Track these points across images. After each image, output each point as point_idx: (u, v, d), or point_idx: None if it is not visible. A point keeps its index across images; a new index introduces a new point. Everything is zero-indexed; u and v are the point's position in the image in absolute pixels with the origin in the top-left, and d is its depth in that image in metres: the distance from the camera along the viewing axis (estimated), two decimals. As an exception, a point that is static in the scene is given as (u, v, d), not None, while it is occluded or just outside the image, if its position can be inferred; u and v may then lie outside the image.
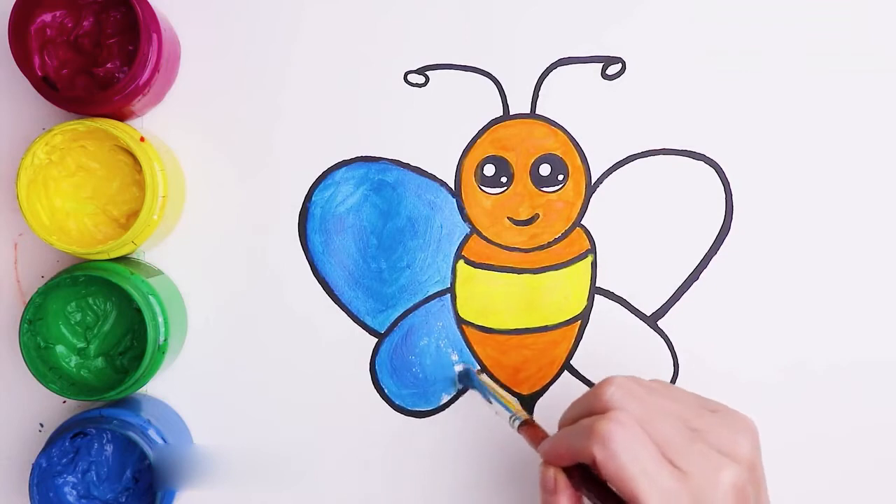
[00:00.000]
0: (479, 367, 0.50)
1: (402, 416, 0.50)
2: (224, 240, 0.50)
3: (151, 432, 0.46)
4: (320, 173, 0.50)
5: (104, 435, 0.47)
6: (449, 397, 0.51)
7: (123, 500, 0.47)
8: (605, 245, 0.51)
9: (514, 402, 0.46)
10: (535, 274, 0.51)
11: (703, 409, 0.40)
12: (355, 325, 0.50)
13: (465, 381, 0.50)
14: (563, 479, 0.39)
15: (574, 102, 0.50)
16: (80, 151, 0.47)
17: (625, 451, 0.36)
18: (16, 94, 0.49)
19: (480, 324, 0.51)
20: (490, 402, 0.47)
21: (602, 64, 0.50)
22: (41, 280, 0.50)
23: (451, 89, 0.50)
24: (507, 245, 0.51)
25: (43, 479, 0.46)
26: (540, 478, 0.40)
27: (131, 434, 0.45)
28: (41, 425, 0.50)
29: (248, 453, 0.50)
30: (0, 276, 0.50)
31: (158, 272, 0.49)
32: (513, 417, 0.44)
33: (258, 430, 0.50)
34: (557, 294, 0.50)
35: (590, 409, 0.40)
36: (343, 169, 0.50)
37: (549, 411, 0.48)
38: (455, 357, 0.50)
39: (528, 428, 0.43)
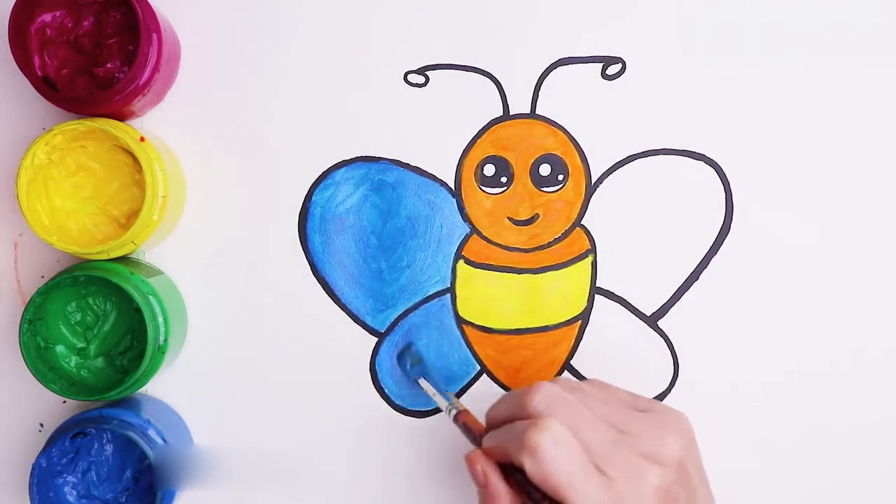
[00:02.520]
0: (418, 355, 0.50)
1: (402, 416, 0.50)
2: (224, 240, 0.50)
3: (151, 432, 0.46)
4: (320, 173, 0.50)
5: (104, 435, 0.47)
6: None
7: (123, 500, 0.47)
8: (605, 245, 0.51)
9: (451, 394, 0.47)
10: (535, 274, 0.51)
11: (633, 411, 0.41)
12: (355, 325, 0.50)
13: (406, 363, 0.50)
14: (492, 473, 0.40)
15: (574, 102, 0.50)
16: (80, 151, 0.47)
17: (552, 461, 0.37)
18: (16, 94, 0.49)
19: (480, 324, 0.51)
20: (424, 389, 0.48)
21: (602, 64, 0.50)
22: (41, 280, 0.50)
23: (451, 89, 0.50)
24: (507, 245, 0.51)
25: (43, 479, 0.46)
26: (469, 470, 0.41)
27: (131, 434, 0.45)
28: (41, 425, 0.50)
29: (247, 453, 0.50)
30: (0, 276, 0.50)
31: (158, 272, 0.49)
32: (450, 408, 0.45)
33: (258, 430, 0.50)
34: (557, 294, 0.50)
35: (515, 414, 0.40)
36: (343, 169, 0.50)
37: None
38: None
39: (465, 417, 0.44)
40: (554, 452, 0.37)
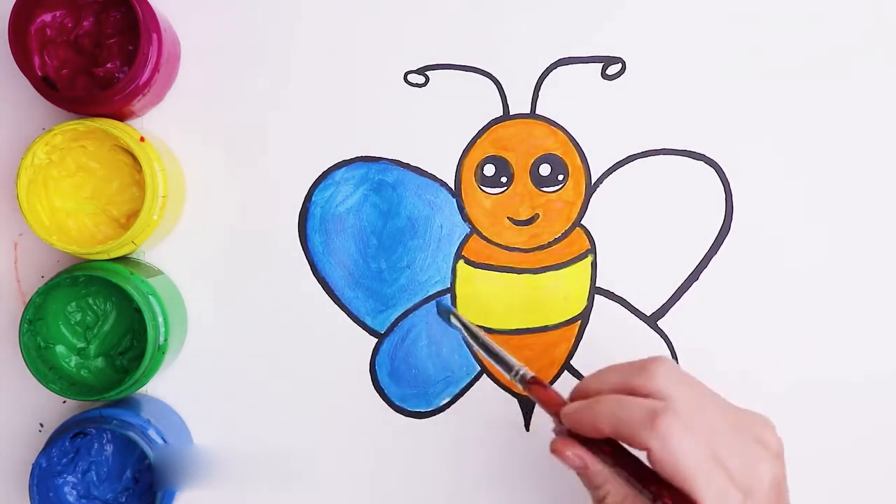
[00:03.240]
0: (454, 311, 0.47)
1: (402, 416, 0.50)
2: (224, 240, 0.50)
3: (151, 432, 0.46)
4: (320, 173, 0.50)
5: (104, 435, 0.47)
6: (449, 398, 0.51)
7: (123, 500, 0.47)
8: (605, 245, 0.51)
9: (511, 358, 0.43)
10: (535, 274, 0.51)
11: (729, 402, 0.40)
12: (355, 325, 0.50)
13: (447, 319, 0.46)
14: (589, 457, 0.38)
15: (574, 102, 0.50)
16: (80, 151, 0.47)
17: (683, 448, 0.35)
18: (16, 94, 0.49)
19: (480, 324, 0.51)
20: (475, 349, 0.44)
21: (602, 64, 0.50)
22: (41, 280, 0.50)
23: (451, 89, 0.50)
24: (507, 245, 0.51)
25: (43, 479, 0.46)
26: (558, 455, 0.39)
27: (131, 434, 0.45)
28: (41, 425, 0.50)
29: (247, 453, 0.50)
30: (0, 276, 0.50)
31: (158, 272, 0.49)
32: (516, 372, 0.42)
33: (258, 430, 0.50)
34: (557, 294, 0.50)
35: (632, 385, 0.38)
36: (343, 169, 0.50)
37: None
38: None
39: (538, 388, 0.41)
40: (685, 438, 0.35)
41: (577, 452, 0.38)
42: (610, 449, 0.38)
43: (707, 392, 0.39)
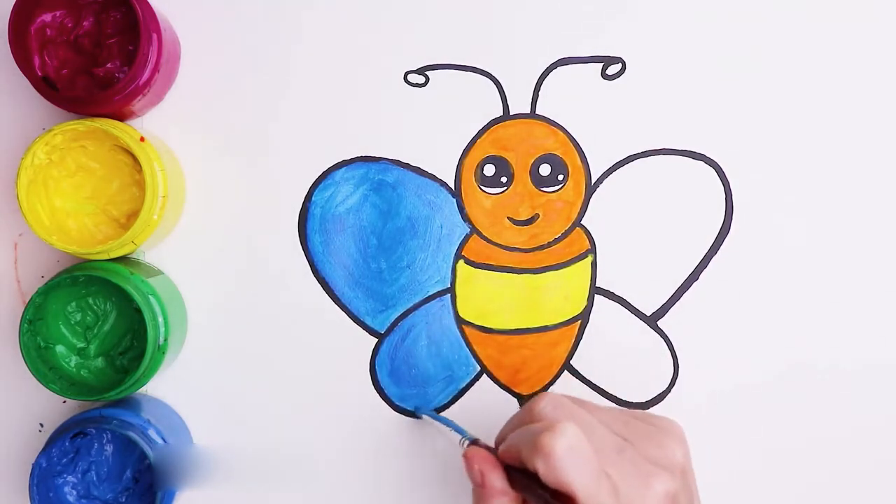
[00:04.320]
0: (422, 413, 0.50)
1: (402, 416, 0.50)
2: (224, 240, 0.50)
3: (151, 432, 0.46)
4: (320, 173, 0.50)
5: (104, 435, 0.47)
6: (449, 398, 0.51)
7: (123, 500, 0.47)
8: (605, 245, 0.51)
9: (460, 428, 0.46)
10: (535, 274, 0.51)
11: (632, 419, 0.41)
12: (355, 325, 0.50)
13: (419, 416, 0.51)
14: (491, 472, 0.40)
15: (574, 102, 0.50)
16: (80, 151, 0.47)
17: (566, 465, 0.36)
18: (16, 94, 0.49)
19: (480, 324, 0.51)
20: (441, 424, 0.47)
21: (602, 64, 0.50)
22: (41, 280, 0.50)
23: (451, 89, 0.50)
24: (507, 245, 0.51)
25: (43, 479, 0.46)
26: (466, 468, 0.40)
27: (131, 434, 0.45)
28: (41, 425, 0.50)
29: (247, 453, 0.50)
30: (0, 276, 0.50)
31: (158, 272, 0.49)
32: (462, 439, 0.44)
33: (258, 430, 0.50)
34: (557, 294, 0.50)
35: (524, 421, 0.40)
36: (343, 169, 0.50)
37: (549, 411, 0.48)
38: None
39: (478, 444, 0.43)
40: (568, 456, 0.37)
41: (482, 467, 0.40)
42: (521, 478, 0.39)
43: (602, 413, 0.41)
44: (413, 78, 0.50)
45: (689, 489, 0.39)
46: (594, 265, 0.51)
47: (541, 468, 0.37)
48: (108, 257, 0.47)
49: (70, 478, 0.47)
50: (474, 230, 0.51)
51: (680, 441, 0.40)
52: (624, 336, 0.51)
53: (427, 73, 0.50)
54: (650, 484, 0.38)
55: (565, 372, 0.51)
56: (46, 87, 0.45)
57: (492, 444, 0.43)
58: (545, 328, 0.51)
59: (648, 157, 0.51)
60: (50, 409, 0.50)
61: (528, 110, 0.50)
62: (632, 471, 0.38)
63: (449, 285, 0.51)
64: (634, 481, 0.37)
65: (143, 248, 0.48)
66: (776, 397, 0.51)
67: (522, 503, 0.39)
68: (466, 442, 0.44)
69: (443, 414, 0.51)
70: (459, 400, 0.51)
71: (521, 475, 0.39)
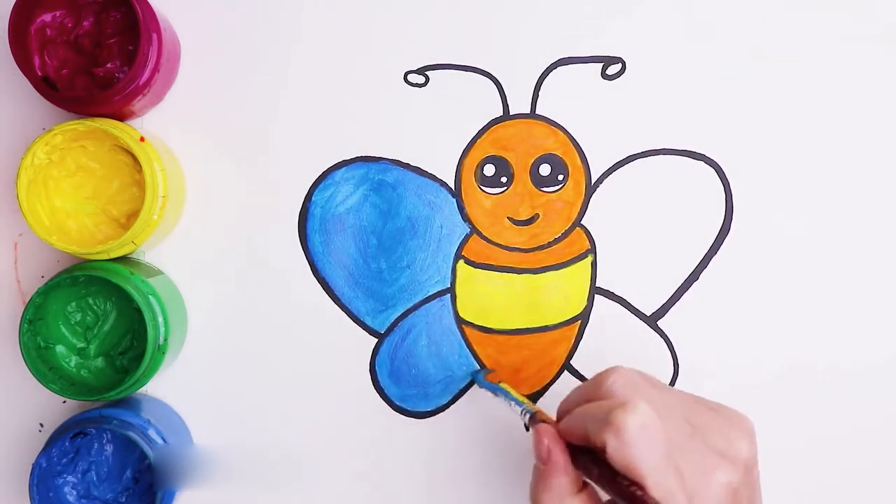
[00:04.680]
0: (483, 370, 0.50)
1: (402, 416, 0.50)
2: (224, 240, 0.50)
3: (151, 432, 0.46)
4: (320, 173, 0.50)
5: (104, 435, 0.47)
6: (449, 398, 0.51)
7: (123, 500, 0.47)
8: (605, 245, 0.51)
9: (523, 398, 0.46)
10: (535, 274, 0.51)
11: (703, 407, 0.40)
12: (355, 325, 0.50)
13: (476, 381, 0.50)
14: (557, 452, 0.39)
15: (574, 102, 0.50)
16: (80, 151, 0.47)
17: (638, 444, 0.36)
18: (16, 94, 0.49)
19: (480, 324, 0.51)
20: (499, 397, 0.46)
21: (602, 64, 0.50)
22: (41, 280, 0.50)
23: (451, 89, 0.50)
24: (507, 245, 0.51)
25: (43, 479, 0.46)
26: (535, 443, 0.39)
27: (131, 434, 0.45)
28: (41, 425, 0.50)
29: (247, 453, 0.50)
30: (0, 276, 0.50)
31: (158, 272, 0.49)
32: (524, 410, 0.43)
33: (258, 430, 0.50)
34: (557, 294, 0.50)
35: (590, 396, 0.40)
36: (343, 169, 0.50)
37: (549, 411, 0.48)
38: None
39: (541, 416, 0.43)
40: (641, 436, 0.36)
41: (550, 444, 0.39)
42: (586, 458, 0.38)
43: (672, 396, 0.40)
44: (413, 78, 0.50)
45: (751, 485, 0.39)
46: (594, 265, 0.51)
47: (610, 445, 0.36)
48: (108, 257, 0.47)
49: (70, 478, 0.47)
50: (474, 230, 0.51)
51: (748, 435, 0.39)
52: (624, 336, 0.51)
53: (427, 73, 0.50)
54: (713, 474, 0.37)
55: (565, 372, 0.51)
56: (46, 87, 0.45)
57: (553, 416, 0.42)
58: (545, 328, 0.51)
59: (648, 157, 0.51)
60: (50, 409, 0.50)
61: (528, 110, 0.50)
62: (697, 458, 0.37)
63: (449, 285, 0.51)
64: (698, 469, 0.37)
65: (143, 248, 0.48)
66: (776, 397, 0.51)
67: (582, 484, 0.39)
68: (527, 414, 0.43)
69: (442, 414, 0.51)
70: (459, 400, 0.51)
71: (582, 453, 0.38)
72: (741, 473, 0.38)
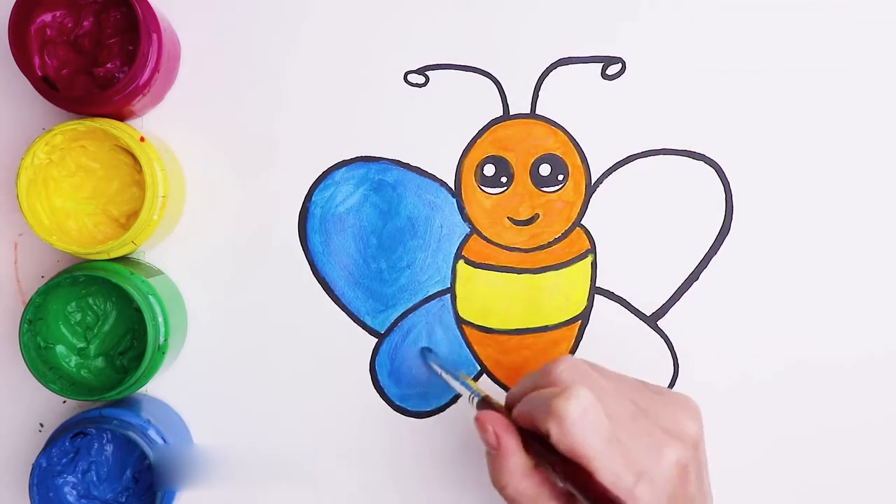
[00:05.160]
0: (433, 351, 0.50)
1: (402, 416, 0.50)
2: (224, 240, 0.50)
3: (151, 432, 0.46)
4: (320, 173, 0.50)
5: (104, 435, 0.47)
6: (449, 398, 0.51)
7: (123, 500, 0.47)
8: (605, 245, 0.51)
9: (470, 379, 0.46)
10: (535, 274, 0.51)
11: (649, 391, 0.41)
12: (355, 325, 0.50)
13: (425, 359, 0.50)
14: (505, 433, 0.39)
15: (574, 102, 0.50)
16: (80, 151, 0.47)
17: (579, 429, 0.36)
18: (16, 94, 0.49)
19: (480, 324, 0.51)
20: (445, 379, 0.47)
21: (602, 64, 0.50)
22: (41, 280, 0.50)
23: (451, 89, 0.50)
24: (507, 245, 0.51)
25: (43, 479, 0.46)
26: (479, 431, 0.40)
27: (131, 434, 0.45)
28: (41, 425, 0.50)
29: (247, 453, 0.50)
30: (0, 276, 0.50)
31: (158, 272, 0.49)
32: (472, 395, 0.44)
33: (258, 430, 0.50)
34: (557, 294, 0.50)
35: (539, 385, 0.40)
36: (343, 169, 0.50)
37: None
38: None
39: (489, 400, 0.43)
40: (582, 420, 0.36)
41: (496, 429, 0.39)
42: (536, 445, 0.38)
43: (619, 381, 0.41)
44: (413, 78, 0.50)
45: (699, 462, 0.39)
46: (594, 265, 0.51)
47: (553, 432, 0.37)
48: (108, 257, 0.47)
49: (70, 478, 0.47)
50: (474, 230, 0.51)
51: (694, 415, 0.40)
52: (624, 336, 0.51)
53: (427, 73, 0.50)
54: (662, 452, 0.38)
55: (565, 372, 0.51)
56: (46, 87, 0.45)
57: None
58: (545, 328, 0.51)
59: (648, 157, 0.51)
60: (50, 409, 0.50)
61: (528, 110, 0.50)
62: (644, 438, 0.38)
63: (449, 285, 0.51)
64: (646, 448, 0.37)
65: (143, 248, 0.48)
66: (776, 397, 0.51)
67: (535, 468, 0.39)
68: (475, 398, 0.43)
69: (442, 414, 0.51)
70: (459, 400, 0.51)
71: (533, 439, 0.39)
72: (690, 451, 0.39)
